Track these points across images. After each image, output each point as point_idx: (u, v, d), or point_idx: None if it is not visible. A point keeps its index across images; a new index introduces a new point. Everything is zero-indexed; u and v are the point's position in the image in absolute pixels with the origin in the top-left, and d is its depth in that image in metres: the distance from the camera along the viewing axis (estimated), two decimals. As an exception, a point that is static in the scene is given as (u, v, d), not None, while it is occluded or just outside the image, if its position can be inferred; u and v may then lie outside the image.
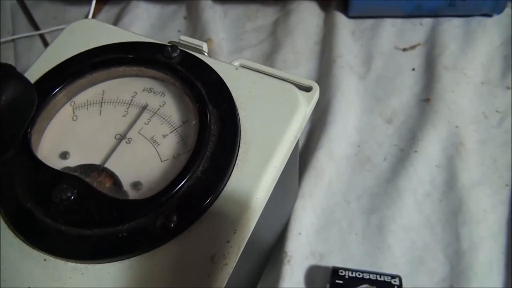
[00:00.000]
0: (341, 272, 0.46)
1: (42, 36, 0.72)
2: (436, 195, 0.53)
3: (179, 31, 0.71)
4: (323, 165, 0.55)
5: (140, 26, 0.71)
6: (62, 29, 0.70)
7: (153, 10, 0.73)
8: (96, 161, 0.32)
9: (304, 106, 0.34)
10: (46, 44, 0.71)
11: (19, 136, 0.26)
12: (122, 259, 0.28)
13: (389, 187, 0.54)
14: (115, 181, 0.31)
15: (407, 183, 0.53)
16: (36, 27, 0.74)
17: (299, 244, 0.50)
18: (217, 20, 0.70)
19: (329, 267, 0.48)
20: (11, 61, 0.70)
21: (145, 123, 0.33)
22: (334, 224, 0.52)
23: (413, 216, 0.52)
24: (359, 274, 0.46)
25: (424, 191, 0.53)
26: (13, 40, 0.72)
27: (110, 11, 0.75)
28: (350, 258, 0.50)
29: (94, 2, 0.50)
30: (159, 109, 0.34)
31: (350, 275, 0.46)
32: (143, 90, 0.35)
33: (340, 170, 0.56)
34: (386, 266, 0.49)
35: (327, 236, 0.51)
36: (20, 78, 0.24)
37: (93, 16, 0.52)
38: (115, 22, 0.72)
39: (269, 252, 0.49)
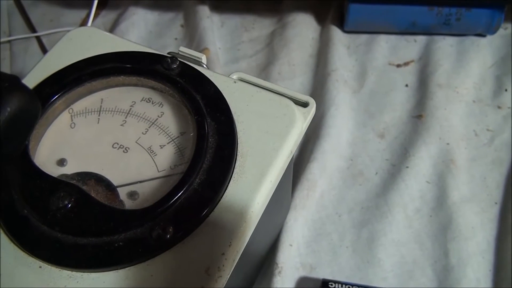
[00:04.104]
0: (331, 285, 0.47)
1: (38, 39, 0.72)
2: (426, 211, 0.54)
3: (176, 39, 0.71)
4: (316, 177, 0.55)
5: (137, 33, 0.71)
6: (59, 32, 0.71)
7: (151, 17, 0.74)
8: (93, 169, 0.32)
9: (301, 122, 0.34)
10: (42, 46, 0.71)
11: (22, 146, 0.27)
12: (118, 269, 0.28)
13: (380, 201, 0.54)
14: (112, 190, 0.31)
15: (398, 198, 0.54)
16: (32, 29, 0.74)
17: (290, 256, 0.51)
18: (214, 29, 0.70)
19: (319, 279, 0.49)
20: (7, 62, 0.70)
21: (142, 133, 0.34)
22: (325, 237, 0.52)
23: (403, 231, 0.52)
24: (348, 287, 0.46)
25: (414, 207, 0.54)
26: (9, 41, 0.72)
27: (107, 16, 0.75)
28: (340, 270, 0.50)
29: (94, 9, 0.50)
30: (157, 119, 0.34)
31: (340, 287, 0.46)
32: (142, 100, 0.36)
33: (332, 183, 0.56)
34: (376, 279, 0.50)
35: (318, 248, 0.52)
36: (25, 90, 0.24)
37: (91, 22, 0.53)
38: (112, 28, 0.72)
39: (261, 263, 0.49)
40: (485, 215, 0.54)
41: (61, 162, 0.33)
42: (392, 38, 0.69)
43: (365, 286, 0.47)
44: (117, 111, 0.35)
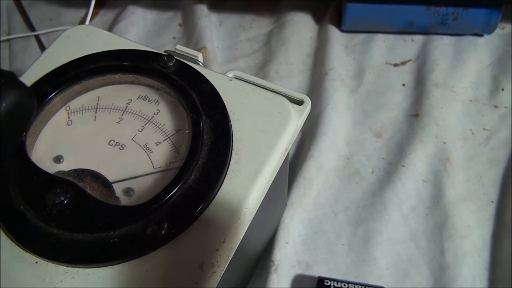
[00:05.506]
0: (327, 282, 0.47)
1: (37, 37, 0.72)
2: (422, 209, 0.54)
3: (174, 38, 0.71)
4: (312, 175, 0.55)
5: (135, 32, 0.71)
6: (58, 31, 0.71)
7: (149, 16, 0.74)
8: (90, 166, 0.32)
9: (296, 119, 0.34)
10: (41, 45, 0.71)
11: (17, 142, 0.27)
12: (113, 264, 0.28)
13: (376, 200, 0.54)
14: (108, 187, 0.31)
15: (394, 197, 0.54)
16: (31, 28, 0.74)
17: (286, 253, 0.51)
18: (212, 28, 0.71)
19: (315, 276, 0.49)
20: (6, 61, 0.70)
21: (139, 130, 0.34)
22: (321, 235, 0.53)
23: (399, 229, 0.53)
24: (344, 285, 0.47)
25: (410, 205, 0.54)
26: (8, 40, 0.72)
27: (105, 15, 0.75)
28: (336, 268, 0.51)
29: (92, 7, 0.50)
30: (153, 117, 0.35)
31: (336, 285, 0.47)
32: (138, 97, 0.36)
33: (328, 181, 0.56)
34: (371, 277, 0.50)
35: (314, 246, 0.52)
36: (21, 85, 0.24)
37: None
38: (111, 27, 0.72)
39: (257, 260, 0.50)
40: (481, 213, 0.54)
41: (58, 159, 0.33)
42: (390, 37, 0.69)
43: (361, 284, 0.47)
44: (113, 109, 0.35)
